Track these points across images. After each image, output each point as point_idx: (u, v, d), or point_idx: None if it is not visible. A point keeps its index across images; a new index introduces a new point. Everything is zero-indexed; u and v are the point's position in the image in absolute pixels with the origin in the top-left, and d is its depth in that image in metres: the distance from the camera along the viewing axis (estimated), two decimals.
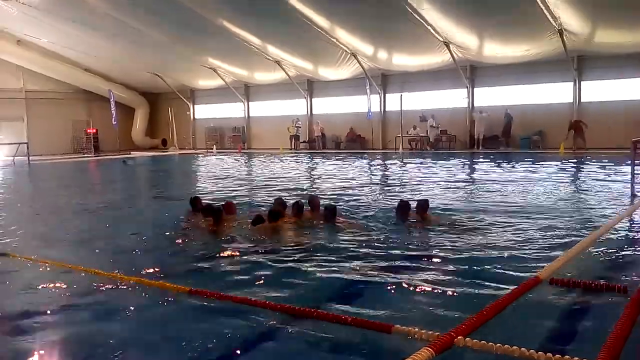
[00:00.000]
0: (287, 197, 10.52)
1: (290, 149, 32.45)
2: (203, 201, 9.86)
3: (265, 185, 14.92)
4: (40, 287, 5.58)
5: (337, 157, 25.47)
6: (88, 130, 36.69)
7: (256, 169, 22.02)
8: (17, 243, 7.86)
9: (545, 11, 20.06)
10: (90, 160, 30.50)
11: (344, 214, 9.12)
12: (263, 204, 10.62)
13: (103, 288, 5.42)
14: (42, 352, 4.11)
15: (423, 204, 8.44)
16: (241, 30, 26.73)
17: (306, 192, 12.83)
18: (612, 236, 6.89)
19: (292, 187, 14.04)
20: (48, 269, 6.19)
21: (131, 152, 35.76)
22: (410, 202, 8.62)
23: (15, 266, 6.42)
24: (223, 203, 9.42)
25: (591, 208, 9.43)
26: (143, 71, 34.70)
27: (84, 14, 25.62)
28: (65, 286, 5.56)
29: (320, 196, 10.66)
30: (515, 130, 26.33)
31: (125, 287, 5.40)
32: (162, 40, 28.59)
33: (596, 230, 6.78)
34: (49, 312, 4.87)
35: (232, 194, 12.71)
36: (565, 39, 22.16)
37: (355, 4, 22.27)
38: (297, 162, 24.42)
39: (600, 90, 24.61)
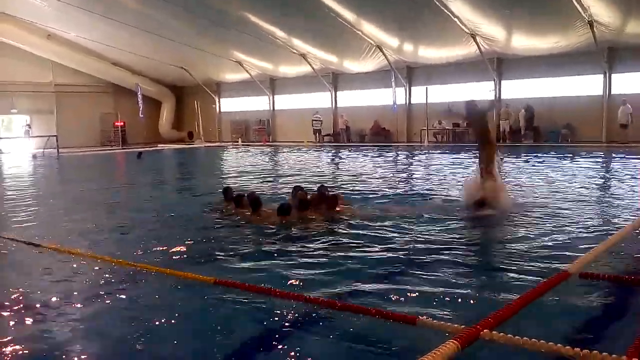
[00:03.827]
0: (307, 188, 10.53)
1: (315, 142, 32.43)
2: (235, 191, 9.96)
3: (288, 176, 14.96)
4: (67, 277, 5.67)
5: (361, 150, 25.41)
6: (116, 123, 37.17)
7: (280, 161, 22.10)
8: (47, 234, 7.99)
9: (574, 2, 19.66)
10: (118, 153, 30.94)
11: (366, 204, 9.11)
12: (284, 194, 10.64)
13: (129, 278, 5.49)
14: (68, 340, 4.18)
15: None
16: (267, 23, 26.79)
17: (331, 183, 12.82)
18: None
19: (313, 178, 14.04)
20: (76, 259, 6.28)
21: (158, 145, 36.18)
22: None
23: (45, 256, 6.53)
24: (247, 193, 9.48)
25: (623, 201, 9.25)
26: (170, 65, 34.99)
27: (112, 8, 25.93)
28: (92, 276, 5.65)
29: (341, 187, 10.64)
30: (543, 124, 25.90)
31: (150, 277, 5.46)
32: (189, 35, 28.81)
33: (628, 224, 6.63)
34: (76, 301, 4.95)
35: (258, 184, 12.77)
36: (596, 30, 21.70)
37: None
38: (319, 154, 24.43)
39: (632, 83, 24.02)
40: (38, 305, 4.88)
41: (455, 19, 22.91)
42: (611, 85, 24.55)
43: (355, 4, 23.86)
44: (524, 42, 24.30)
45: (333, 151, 26.34)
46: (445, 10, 22.10)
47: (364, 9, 24.28)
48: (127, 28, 27.59)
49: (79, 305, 4.86)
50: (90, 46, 33.49)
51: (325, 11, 23.65)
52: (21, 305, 4.89)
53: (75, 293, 5.14)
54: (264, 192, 11.09)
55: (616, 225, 7.09)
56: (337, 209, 8.59)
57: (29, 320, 4.55)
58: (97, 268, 5.90)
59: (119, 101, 38.83)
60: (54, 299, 5.01)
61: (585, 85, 25.20)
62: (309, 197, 8.96)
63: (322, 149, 28.45)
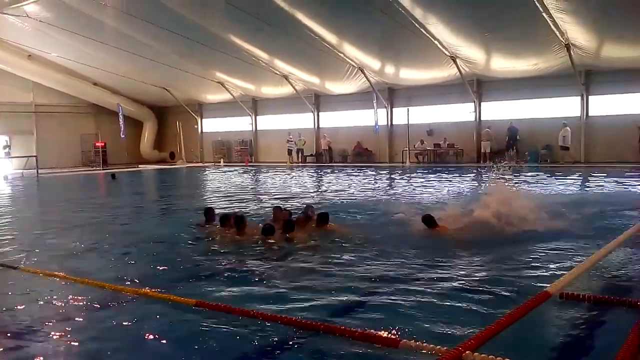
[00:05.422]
0: (290, 207, 10.53)
1: (298, 162, 32.48)
2: (217, 212, 9.96)
3: (270, 196, 14.93)
4: (47, 300, 5.59)
5: (343, 170, 25.47)
6: (97, 144, 36.90)
7: (262, 181, 22.06)
8: (26, 256, 7.87)
9: (552, 26, 20.11)
10: (98, 174, 30.64)
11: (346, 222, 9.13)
12: (265, 214, 10.62)
13: (109, 301, 5.42)
14: None
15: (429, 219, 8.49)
16: (249, 45, 26.94)
17: (313, 202, 12.82)
18: (622, 251, 6.82)
19: (296, 198, 14.05)
20: (55, 282, 6.20)
21: (139, 165, 35.93)
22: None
23: (24, 279, 6.44)
24: (230, 214, 9.45)
25: (601, 222, 9.34)
26: (151, 85, 34.94)
27: (93, 29, 25.87)
28: (71, 299, 5.56)
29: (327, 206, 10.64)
30: (523, 144, 26.23)
31: (130, 299, 5.40)
32: (170, 55, 28.84)
33: (606, 245, 6.71)
34: (55, 324, 4.88)
35: (239, 204, 12.71)
36: (573, 54, 22.18)
37: (362, 19, 22.42)
38: (302, 175, 24.44)
39: (608, 105, 24.52)
40: (15, 329, 4.79)
41: (436, 42, 23.27)
42: (588, 107, 25.02)
43: (337, 26, 24.14)
44: (503, 64, 24.72)
45: (315, 172, 26.37)
46: (426, 33, 22.45)
47: (346, 32, 24.55)
48: (109, 49, 27.54)
49: (57, 329, 4.78)
50: (71, 66, 33.32)
51: (307, 33, 23.89)
52: None
53: (53, 316, 5.07)
54: (246, 212, 11.05)
55: (594, 246, 7.16)
56: (326, 226, 8.65)
57: (4, 344, 4.46)
58: (75, 291, 5.82)
59: (100, 122, 38.61)
60: (32, 322, 4.93)
61: (563, 107, 25.63)
62: (294, 217, 8.97)
63: (304, 169, 28.47)
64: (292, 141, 32.96)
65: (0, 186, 23.23)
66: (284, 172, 26.69)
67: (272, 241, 7.93)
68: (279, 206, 10.48)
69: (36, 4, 25.00)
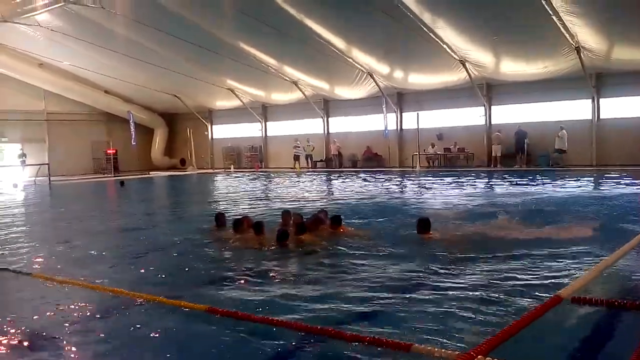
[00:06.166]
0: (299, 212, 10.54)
1: (308, 168, 32.50)
2: (229, 217, 10.02)
3: (280, 201, 14.95)
4: (59, 306, 5.62)
5: (353, 175, 25.46)
6: (108, 151, 37.16)
7: (272, 186, 22.10)
8: (39, 263, 7.93)
9: (562, 29, 20.01)
10: (108, 181, 30.83)
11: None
12: (276, 218, 10.63)
13: (121, 307, 5.45)
14: None
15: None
16: (258, 51, 27.04)
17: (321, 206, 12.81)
18: (635, 254, 6.76)
19: (306, 202, 14.05)
20: (67, 288, 6.23)
21: (150, 172, 36.12)
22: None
23: (36, 286, 6.48)
24: (242, 218, 9.49)
25: (614, 225, 9.27)
26: (162, 92, 35.14)
27: (104, 38, 26.10)
28: (84, 306, 5.59)
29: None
30: (534, 148, 26.11)
31: (141, 305, 5.42)
32: (181, 63, 28.99)
33: (619, 248, 6.65)
34: (67, 331, 4.90)
35: (250, 210, 12.73)
36: (583, 56, 22.05)
37: (371, 24, 22.43)
38: (312, 180, 24.46)
39: (619, 107, 24.35)
40: (27, 335, 4.82)
41: (444, 46, 23.23)
42: (600, 110, 24.87)
43: (346, 31, 24.17)
44: (513, 67, 24.61)
45: (325, 177, 26.38)
46: (435, 37, 22.42)
47: (355, 37, 24.58)
48: (119, 57, 27.77)
49: (68, 335, 4.81)
50: (82, 74, 33.61)
51: (316, 39, 23.95)
52: (10, 335, 4.83)
53: (65, 322, 5.09)
54: (257, 217, 11.06)
55: (606, 249, 7.10)
56: (339, 229, 8.67)
57: (16, 351, 4.49)
58: (87, 297, 5.85)
59: (111, 129, 38.90)
60: (44, 328, 4.96)
61: (574, 110, 25.50)
62: (305, 220, 9.01)
63: (313, 174, 28.47)
64: (299, 147, 33.02)
65: (12, 194, 23.43)
66: (294, 177, 26.72)
67: (285, 246, 7.94)
68: (288, 210, 10.50)
69: (47, 13, 25.24)
